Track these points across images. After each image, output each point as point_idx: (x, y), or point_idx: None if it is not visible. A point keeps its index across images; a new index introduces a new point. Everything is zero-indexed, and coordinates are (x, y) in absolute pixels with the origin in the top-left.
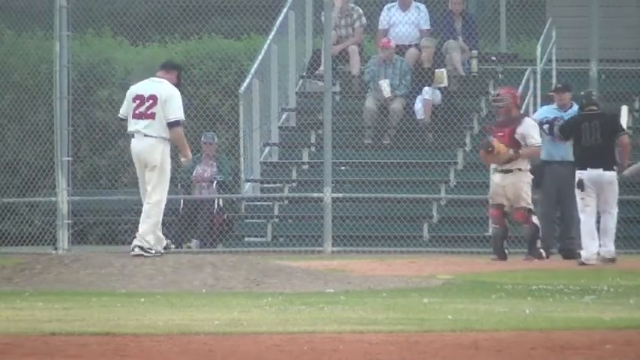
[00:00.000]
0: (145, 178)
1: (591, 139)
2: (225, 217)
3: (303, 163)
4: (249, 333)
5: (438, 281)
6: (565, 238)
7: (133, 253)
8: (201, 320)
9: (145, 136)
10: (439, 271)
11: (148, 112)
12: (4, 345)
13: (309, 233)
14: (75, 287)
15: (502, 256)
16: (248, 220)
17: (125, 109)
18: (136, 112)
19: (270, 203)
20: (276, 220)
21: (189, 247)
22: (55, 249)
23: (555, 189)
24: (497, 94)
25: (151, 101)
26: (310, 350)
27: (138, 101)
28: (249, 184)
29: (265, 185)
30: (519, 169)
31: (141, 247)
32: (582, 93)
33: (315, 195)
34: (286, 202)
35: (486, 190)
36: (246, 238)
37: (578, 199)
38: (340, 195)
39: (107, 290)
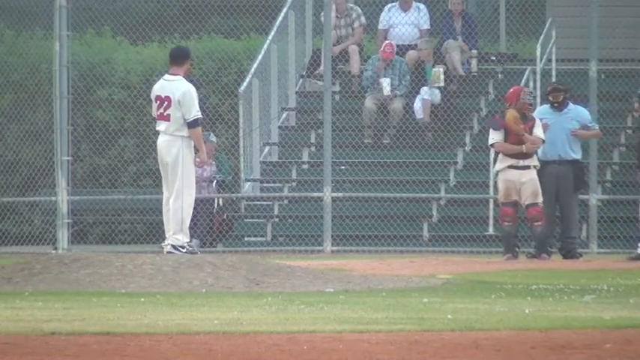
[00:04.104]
0: (166, 175)
1: None
2: (224, 216)
3: (303, 162)
4: (249, 332)
5: (437, 281)
6: (565, 237)
7: (166, 250)
8: (201, 320)
9: (164, 134)
10: (439, 270)
11: (165, 114)
12: (3, 345)
13: (309, 233)
14: (75, 287)
15: (515, 254)
16: (248, 220)
17: (153, 109)
18: (157, 113)
19: (270, 203)
20: (276, 219)
21: (190, 247)
22: (55, 248)
23: (554, 189)
24: (527, 90)
25: (166, 102)
26: (310, 350)
27: (158, 102)
28: (248, 183)
29: (265, 185)
30: (534, 166)
31: (173, 246)
32: None
33: (315, 194)
34: (286, 201)
35: (486, 189)
36: (246, 238)
37: None
38: (340, 194)
39: (107, 290)
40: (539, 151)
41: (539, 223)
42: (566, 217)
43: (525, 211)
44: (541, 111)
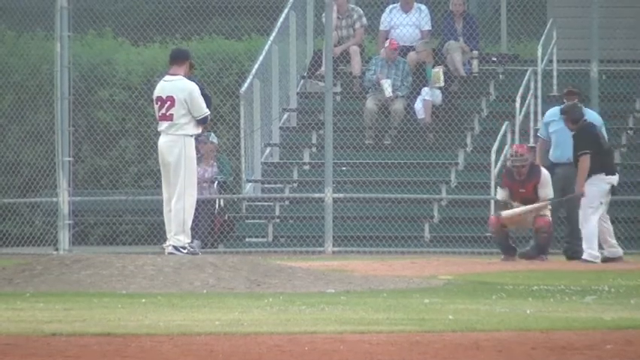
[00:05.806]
0: (167, 176)
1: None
2: (226, 217)
3: (304, 163)
4: (250, 333)
5: (438, 281)
6: (571, 238)
7: (167, 250)
8: (202, 321)
9: (166, 134)
10: (440, 271)
11: (167, 114)
12: (4, 345)
13: (310, 234)
14: (76, 288)
15: (512, 253)
16: (249, 221)
17: (156, 110)
18: (159, 114)
19: (271, 203)
20: (277, 220)
21: (192, 248)
22: (56, 249)
23: (561, 190)
24: (517, 152)
25: (168, 102)
26: (311, 350)
27: (159, 103)
28: (250, 184)
29: (266, 185)
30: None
31: (174, 247)
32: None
33: (316, 195)
34: (287, 202)
35: (487, 190)
36: (247, 239)
37: (602, 202)
38: (341, 195)
39: (108, 291)
40: (551, 152)
41: (546, 234)
42: (573, 218)
43: (534, 221)
44: (552, 113)
